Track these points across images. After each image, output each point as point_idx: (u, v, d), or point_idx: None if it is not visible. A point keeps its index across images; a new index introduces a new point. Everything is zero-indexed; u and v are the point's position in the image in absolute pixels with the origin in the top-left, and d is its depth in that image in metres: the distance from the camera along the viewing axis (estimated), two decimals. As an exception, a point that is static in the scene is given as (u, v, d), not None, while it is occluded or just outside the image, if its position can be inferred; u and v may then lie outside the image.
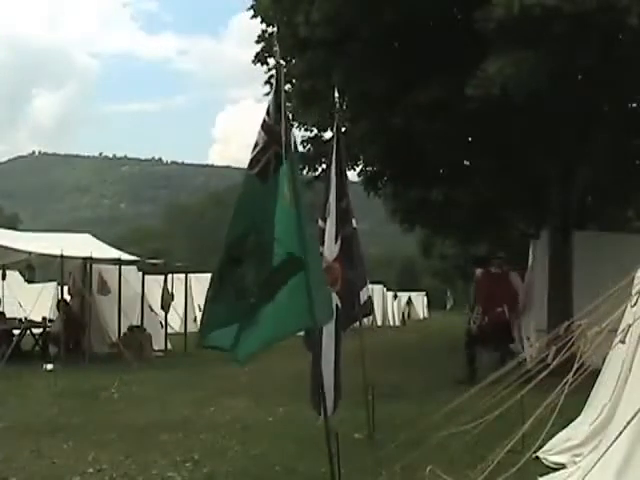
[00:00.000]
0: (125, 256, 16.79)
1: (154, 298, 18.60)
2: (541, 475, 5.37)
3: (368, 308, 8.09)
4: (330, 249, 6.27)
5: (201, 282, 25.87)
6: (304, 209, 4.27)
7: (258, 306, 4.10)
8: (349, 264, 6.70)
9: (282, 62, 4.61)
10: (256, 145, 4.26)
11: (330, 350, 5.96)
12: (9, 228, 23.98)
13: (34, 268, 20.56)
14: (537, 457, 5.62)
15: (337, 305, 6.15)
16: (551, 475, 5.39)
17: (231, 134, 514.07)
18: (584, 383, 4.34)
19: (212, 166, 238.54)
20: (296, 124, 13.89)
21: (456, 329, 23.09)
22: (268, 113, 4.29)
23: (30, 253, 15.46)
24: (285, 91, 4.51)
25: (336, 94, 7.38)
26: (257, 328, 4.10)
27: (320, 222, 6.33)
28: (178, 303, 20.18)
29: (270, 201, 4.16)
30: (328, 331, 5.91)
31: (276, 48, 4.83)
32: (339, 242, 6.48)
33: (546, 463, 5.66)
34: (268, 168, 4.22)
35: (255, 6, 13.02)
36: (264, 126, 4.28)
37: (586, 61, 9.97)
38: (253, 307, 4.10)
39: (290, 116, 13.10)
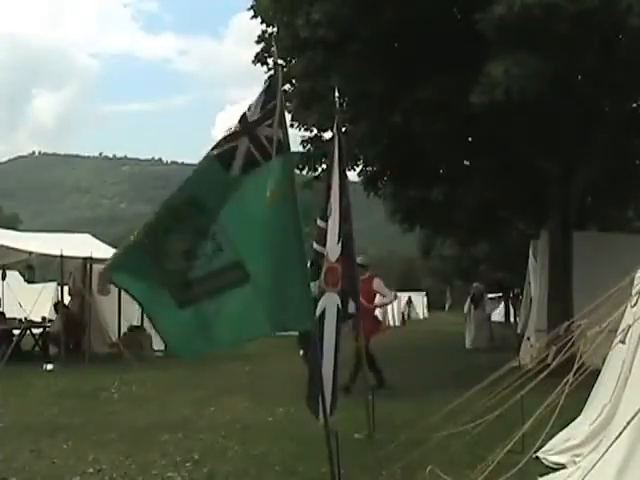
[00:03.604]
0: (125, 256, 16.75)
1: (154, 298, 18.57)
2: (541, 475, 5.37)
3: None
4: (332, 250, 6.23)
5: (201, 282, 25.99)
6: (294, 212, 4.26)
7: (197, 301, 4.11)
8: (350, 263, 6.69)
9: (281, 62, 4.59)
10: (228, 131, 4.26)
11: (331, 351, 5.95)
12: (9, 228, 23.96)
13: (34, 268, 20.57)
14: (537, 457, 5.61)
15: (338, 306, 6.15)
16: (551, 475, 5.39)
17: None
18: (584, 383, 4.33)
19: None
20: (296, 124, 13.89)
21: (456, 329, 23.12)
22: (249, 107, 4.29)
23: (30, 253, 15.46)
24: (285, 91, 4.52)
25: (336, 94, 7.36)
26: (202, 327, 4.13)
27: (320, 222, 6.27)
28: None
29: (229, 194, 4.16)
30: (329, 332, 5.89)
31: (274, 49, 4.84)
32: (341, 242, 6.44)
33: (546, 463, 5.66)
34: (232, 159, 4.20)
35: (255, 6, 13.01)
36: (242, 119, 4.28)
37: (587, 62, 9.98)
38: (189, 297, 4.10)
39: (289, 116, 13.17)
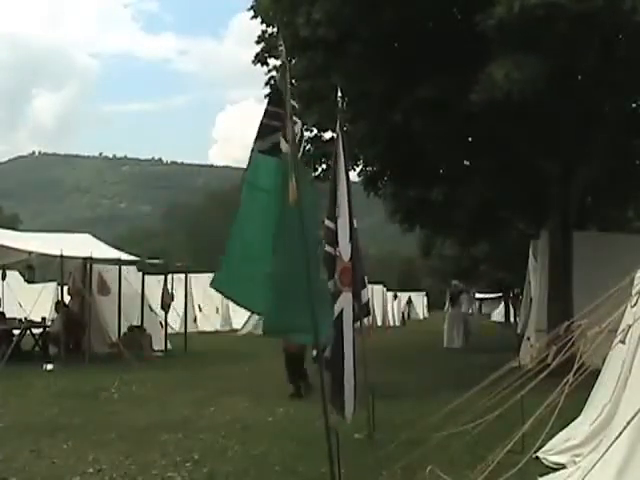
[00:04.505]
0: (125, 256, 16.77)
1: (154, 298, 18.59)
2: (541, 475, 5.37)
3: (367, 309, 8.12)
4: (345, 249, 6.21)
5: (201, 282, 25.97)
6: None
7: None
8: (357, 264, 6.70)
9: (282, 62, 4.59)
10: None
11: (350, 351, 5.96)
12: (9, 228, 23.95)
13: (34, 268, 20.58)
14: (537, 457, 5.62)
15: (354, 306, 6.17)
16: (551, 475, 5.39)
17: (231, 134, 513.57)
18: (584, 383, 4.33)
19: (212, 166, 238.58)
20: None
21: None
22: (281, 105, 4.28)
23: (30, 253, 15.46)
24: (291, 84, 4.53)
25: (338, 94, 7.36)
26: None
27: (328, 222, 6.24)
28: (178, 303, 20.18)
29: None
30: (348, 332, 5.90)
31: (282, 48, 4.82)
32: (351, 242, 6.44)
33: (546, 463, 5.66)
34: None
35: (255, 6, 13.02)
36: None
37: (587, 62, 9.97)
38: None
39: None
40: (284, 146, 4.16)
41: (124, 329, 16.11)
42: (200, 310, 26.30)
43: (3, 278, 17.80)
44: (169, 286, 18.34)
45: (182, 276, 20.20)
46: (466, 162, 14.86)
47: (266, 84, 13.58)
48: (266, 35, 13.35)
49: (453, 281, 23.36)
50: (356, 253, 7.04)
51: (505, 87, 9.19)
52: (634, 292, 4.55)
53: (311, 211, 4.29)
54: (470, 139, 13.61)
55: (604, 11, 8.84)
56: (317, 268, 4.34)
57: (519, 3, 8.74)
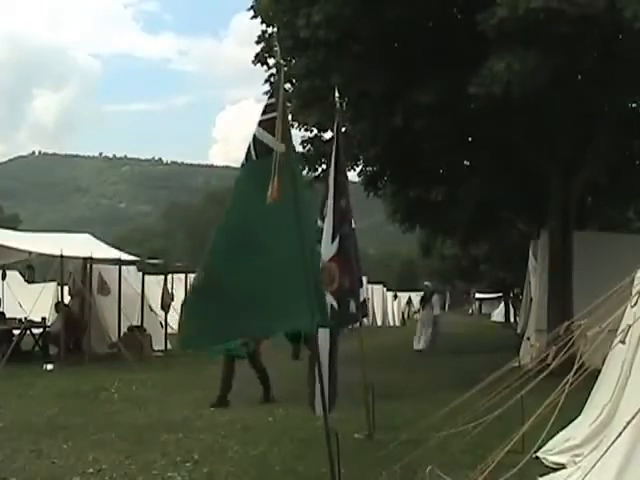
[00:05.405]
0: (125, 256, 16.77)
1: (154, 298, 18.58)
2: (541, 475, 5.37)
3: (365, 309, 8.11)
4: (327, 249, 6.26)
5: (201, 282, 25.96)
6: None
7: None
8: (346, 264, 6.69)
9: (282, 62, 4.58)
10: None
11: (325, 350, 5.97)
12: (9, 228, 23.93)
13: (34, 268, 20.56)
14: (537, 457, 5.61)
15: (332, 305, 6.15)
16: (551, 475, 5.39)
17: (231, 134, 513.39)
18: (584, 383, 4.33)
19: (212, 166, 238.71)
20: (296, 124, 13.89)
21: (455, 329, 23.10)
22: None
23: (30, 253, 15.45)
24: (285, 90, 4.49)
25: (337, 94, 7.38)
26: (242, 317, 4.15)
27: (319, 222, 6.32)
28: (178, 303, 20.11)
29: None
30: (323, 332, 5.91)
31: (277, 48, 4.83)
32: (336, 242, 6.46)
33: (546, 463, 5.65)
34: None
35: (255, 6, 13.02)
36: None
37: (587, 62, 9.98)
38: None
39: (290, 116, 13.18)
40: (276, 145, 4.11)
41: (124, 329, 16.10)
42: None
43: (3, 278, 17.79)
44: (169, 286, 18.33)
45: (182, 276, 20.18)
46: (466, 162, 14.86)
47: (265, 81, 13.64)
48: (266, 35, 13.35)
49: (425, 282, 23.07)
50: (355, 253, 7.05)
51: (505, 78, 9.17)
52: (634, 292, 4.55)
53: (303, 209, 4.23)
54: (470, 139, 13.61)
55: (604, 15, 8.83)
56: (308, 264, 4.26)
57: (524, 6, 8.73)
